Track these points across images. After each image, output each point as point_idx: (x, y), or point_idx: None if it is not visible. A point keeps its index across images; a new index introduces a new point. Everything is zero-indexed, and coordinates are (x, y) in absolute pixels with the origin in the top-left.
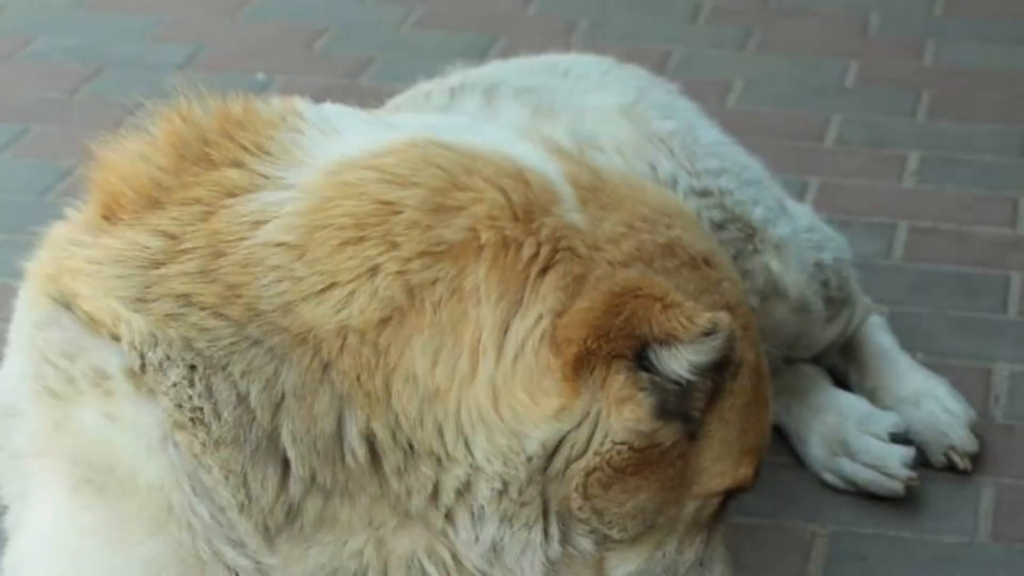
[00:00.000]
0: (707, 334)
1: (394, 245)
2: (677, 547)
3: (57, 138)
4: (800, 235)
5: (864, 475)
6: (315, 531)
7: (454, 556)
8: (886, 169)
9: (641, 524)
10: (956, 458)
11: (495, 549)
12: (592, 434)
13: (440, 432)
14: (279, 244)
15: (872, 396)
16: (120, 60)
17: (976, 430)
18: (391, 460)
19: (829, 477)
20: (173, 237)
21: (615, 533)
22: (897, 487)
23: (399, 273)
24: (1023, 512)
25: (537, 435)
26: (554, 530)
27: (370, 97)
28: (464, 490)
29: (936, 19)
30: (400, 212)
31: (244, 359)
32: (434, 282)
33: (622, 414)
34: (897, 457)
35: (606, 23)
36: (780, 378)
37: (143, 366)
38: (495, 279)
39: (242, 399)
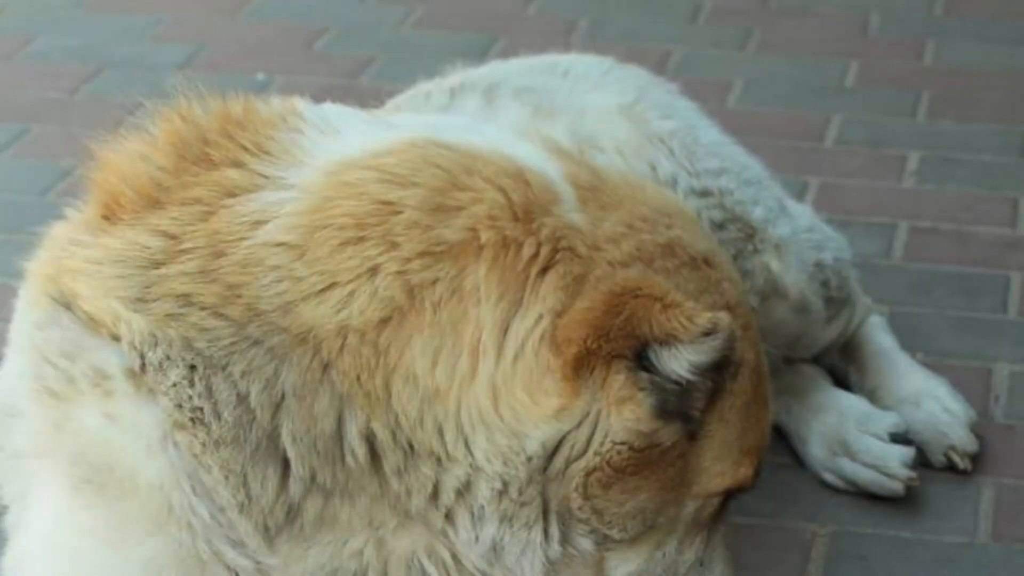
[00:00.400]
0: (707, 334)
1: (394, 245)
2: (677, 547)
3: (57, 138)
4: (800, 235)
5: (864, 475)
6: (315, 531)
7: (454, 556)
8: (886, 169)
9: (641, 524)
10: (956, 458)
11: (495, 549)
12: (592, 434)
13: (440, 432)
14: (279, 244)
15: (872, 396)
16: (120, 60)
17: (976, 430)
18: (391, 460)
19: (829, 477)
20: (173, 237)
21: (615, 533)
22: (897, 487)
23: (399, 273)
24: (1023, 512)
25: (537, 435)
26: (554, 530)
27: (370, 97)
28: (464, 490)
29: (936, 19)
30: (400, 212)
31: (244, 359)
32: (434, 282)
33: (622, 414)
34: (897, 457)
35: (606, 23)
36: (780, 378)
37: (143, 366)
38: (495, 279)
39: (242, 399)
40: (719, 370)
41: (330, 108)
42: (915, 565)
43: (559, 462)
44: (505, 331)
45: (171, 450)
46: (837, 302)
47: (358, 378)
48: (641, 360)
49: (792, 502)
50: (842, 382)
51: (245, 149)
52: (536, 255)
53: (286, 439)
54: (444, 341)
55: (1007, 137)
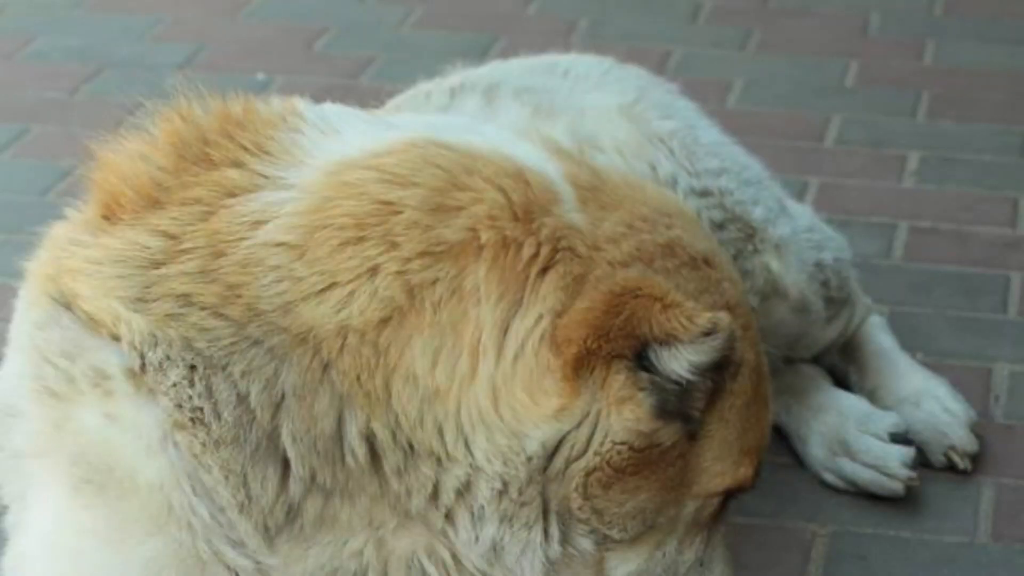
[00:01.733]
0: (707, 334)
1: (394, 245)
2: (677, 547)
3: (57, 138)
4: (800, 235)
5: (864, 475)
6: (315, 531)
7: (454, 556)
8: (886, 169)
9: (641, 524)
10: (956, 458)
11: (495, 549)
12: (592, 434)
13: (440, 432)
14: (279, 244)
15: (872, 396)
16: (120, 60)
17: (976, 430)
18: (391, 460)
19: (829, 477)
20: (173, 237)
21: (615, 533)
22: (897, 487)
23: (399, 273)
24: (1023, 512)
25: (537, 435)
26: (554, 530)
27: (370, 97)
28: (464, 490)
29: (936, 19)
30: (400, 212)
31: (244, 359)
32: (434, 282)
33: (622, 414)
34: (897, 457)
35: (606, 23)
36: (780, 378)
37: (143, 366)
38: (495, 279)
39: (242, 399)
40: (719, 370)
41: (330, 108)
42: (915, 565)
43: (559, 462)
44: (505, 331)
45: (171, 450)
46: (837, 302)
47: (358, 378)
48: (641, 360)
49: (792, 502)
50: (842, 382)
51: (245, 149)
52: (536, 255)
53: (286, 439)
54: (444, 341)
55: (1007, 137)
